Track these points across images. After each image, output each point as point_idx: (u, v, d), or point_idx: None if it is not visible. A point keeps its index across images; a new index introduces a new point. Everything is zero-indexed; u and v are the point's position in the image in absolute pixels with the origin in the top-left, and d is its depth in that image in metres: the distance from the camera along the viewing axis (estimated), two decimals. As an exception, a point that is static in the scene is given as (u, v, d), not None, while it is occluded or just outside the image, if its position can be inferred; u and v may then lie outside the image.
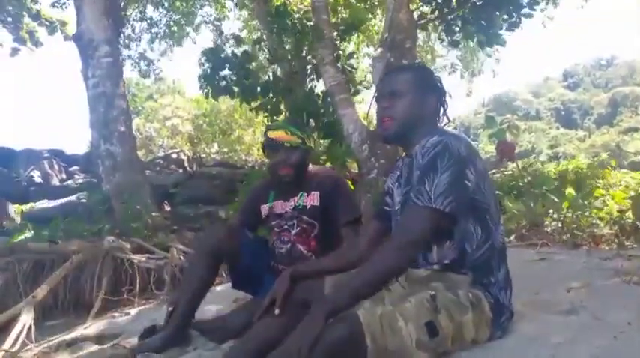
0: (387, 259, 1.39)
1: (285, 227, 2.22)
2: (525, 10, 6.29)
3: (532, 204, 3.91)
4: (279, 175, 2.17)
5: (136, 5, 10.82)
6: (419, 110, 1.60)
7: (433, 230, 1.41)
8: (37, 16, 8.12)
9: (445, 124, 1.68)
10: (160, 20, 11.50)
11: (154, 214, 5.48)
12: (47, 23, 8.28)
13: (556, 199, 3.83)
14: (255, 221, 2.37)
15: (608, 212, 3.49)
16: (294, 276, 1.71)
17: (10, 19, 7.79)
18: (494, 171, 6.82)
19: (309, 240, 2.19)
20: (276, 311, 1.64)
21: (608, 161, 6.01)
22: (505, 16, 6.22)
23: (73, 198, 7.28)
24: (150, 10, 11.23)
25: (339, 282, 1.60)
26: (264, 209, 2.30)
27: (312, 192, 2.18)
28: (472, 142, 1.57)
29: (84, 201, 6.64)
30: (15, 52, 8.30)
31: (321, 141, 6.71)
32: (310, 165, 2.29)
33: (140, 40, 11.53)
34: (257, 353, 1.62)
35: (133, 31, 11.25)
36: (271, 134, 2.18)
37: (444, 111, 1.66)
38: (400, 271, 1.41)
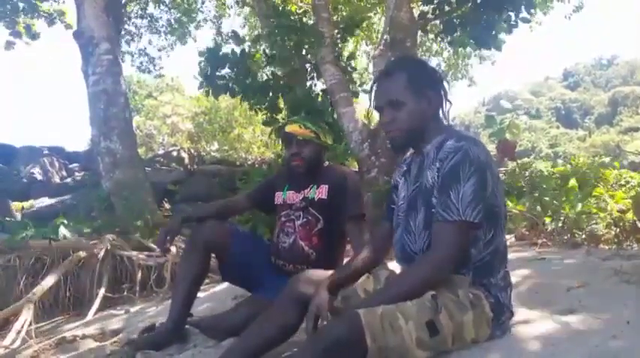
0: (424, 274, 1.40)
1: (292, 217, 2.27)
2: (523, 15, 6.33)
3: (532, 204, 3.91)
4: (292, 167, 2.27)
5: (137, 2, 10.81)
6: (422, 112, 1.56)
7: (467, 241, 1.43)
8: (33, 9, 8.07)
9: (451, 115, 1.66)
10: (161, 17, 11.50)
11: (154, 212, 5.49)
12: (45, 15, 8.24)
13: (555, 200, 3.83)
14: (264, 201, 2.43)
15: (608, 212, 3.49)
16: (331, 286, 1.61)
17: (7, 12, 7.73)
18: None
19: (311, 234, 2.21)
20: (322, 323, 1.54)
21: (611, 163, 5.99)
22: (505, 18, 6.23)
23: (73, 195, 7.28)
24: (151, 7, 11.24)
25: (373, 292, 1.59)
26: (279, 197, 2.37)
27: (322, 185, 2.24)
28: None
29: (84, 198, 6.64)
30: (10, 45, 8.25)
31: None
32: (327, 162, 2.34)
33: (141, 37, 11.51)
34: (256, 351, 1.63)
35: (135, 26, 11.25)
36: (287, 128, 2.29)
37: (445, 100, 1.61)
38: (437, 284, 1.41)
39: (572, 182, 3.87)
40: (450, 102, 1.63)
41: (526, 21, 6.49)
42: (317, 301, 1.53)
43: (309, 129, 2.24)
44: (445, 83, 1.63)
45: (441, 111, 1.62)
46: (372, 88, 1.66)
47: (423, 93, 1.56)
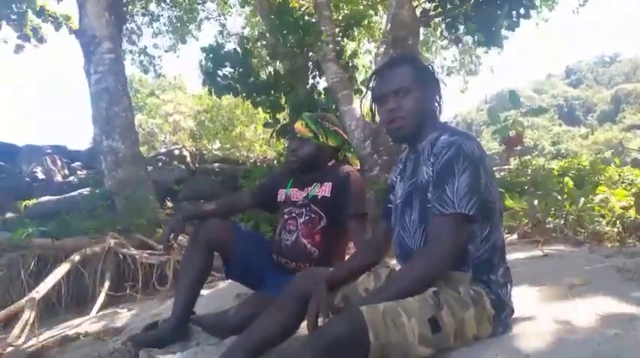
0: (423, 269, 1.40)
1: (294, 214, 2.27)
2: (524, 11, 6.28)
3: (535, 201, 3.90)
4: (289, 161, 2.36)
5: (139, 1, 10.81)
6: (425, 104, 1.59)
7: (464, 234, 1.43)
8: (41, 12, 8.12)
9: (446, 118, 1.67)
10: (162, 15, 11.50)
11: (156, 210, 5.50)
12: (51, 19, 8.28)
13: (559, 196, 3.82)
14: (267, 199, 2.45)
15: (610, 209, 3.49)
16: (330, 283, 1.60)
17: (14, 16, 7.77)
18: (498, 168, 6.82)
19: (314, 232, 2.21)
20: (324, 320, 1.53)
21: (612, 159, 5.99)
22: (506, 15, 6.20)
23: (75, 193, 7.29)
24: (152, 6, 11.23)
25: (374, 289, 1.58)
26: (282, 194, 2.38)
27: (325, 183, 2.24)
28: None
29: (86, 197, 6.65)
30: (19, 48, 8.29)
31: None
32: (333, 161, 2.34)
33: (142, 35, 11.51)
34: (258, 349, 1.63)
35: (136, 25, 11.24)
36: (296, 123, 2.34)
37: (440, 101, 1.64)
38: (436, 279, 1.41)
39: (569, 181, 3.85)
40: (442, 104, 1.66)
41: (526, 17, 6.42)
42: (316, 298, 1.53)
43: (309, 128, 2.25)
44: (441, 83, 1.66)
45: (437, 111, 1.65)
46: (371, 79, 1.67)
47: (425, 86, 1.60)
